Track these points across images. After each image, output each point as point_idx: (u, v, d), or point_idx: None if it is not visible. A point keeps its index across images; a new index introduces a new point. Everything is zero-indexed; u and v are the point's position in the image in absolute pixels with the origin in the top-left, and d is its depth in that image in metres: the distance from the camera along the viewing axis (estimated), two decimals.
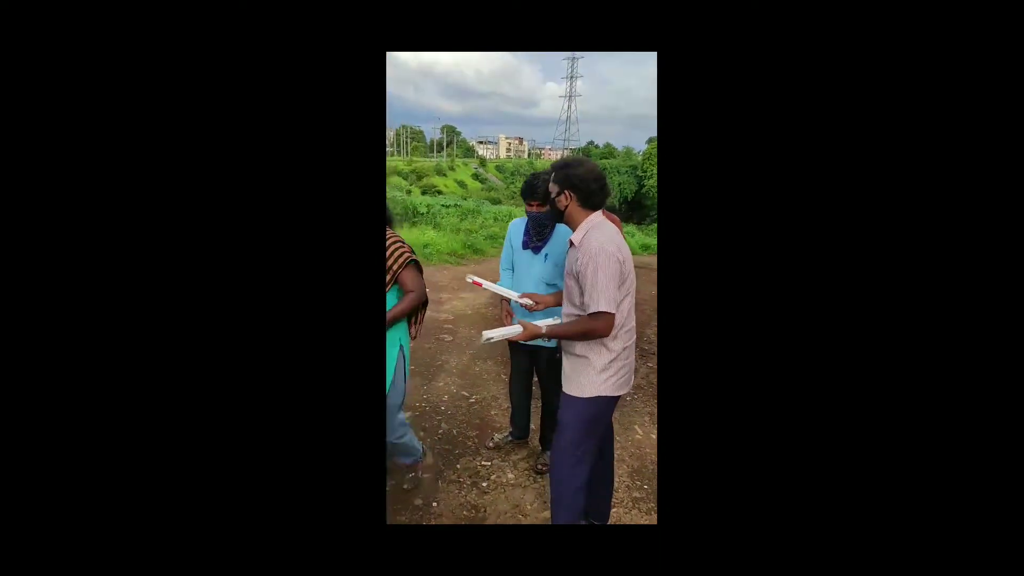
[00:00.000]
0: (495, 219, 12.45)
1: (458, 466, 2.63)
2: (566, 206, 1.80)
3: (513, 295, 2.22)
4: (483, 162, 61.75)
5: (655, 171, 37.52)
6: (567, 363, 1.86)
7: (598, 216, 1.79)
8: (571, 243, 1.80)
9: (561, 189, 1.79)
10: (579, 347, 1.79)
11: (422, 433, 2.93)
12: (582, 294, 1.71)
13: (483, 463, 2.66)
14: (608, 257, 1.64)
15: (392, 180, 20.22)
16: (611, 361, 1.75)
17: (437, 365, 3.95)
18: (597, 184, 1.77)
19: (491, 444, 2.79)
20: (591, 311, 1.67)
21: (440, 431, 2.98)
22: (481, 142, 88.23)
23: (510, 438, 2.81)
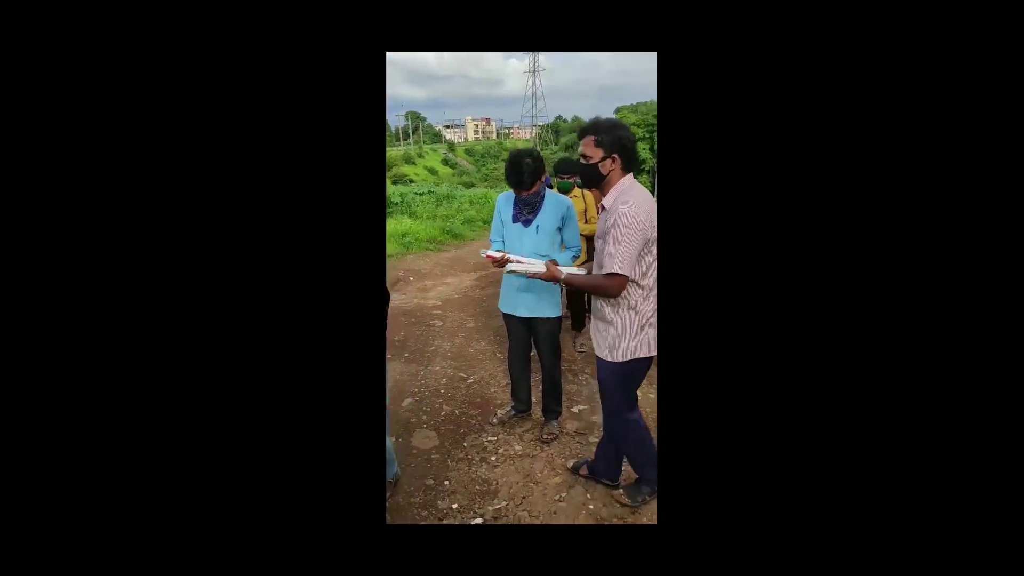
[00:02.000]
0: (471, 203, 12.40)
1: (465, 444, 2.71)
2: (610, 170, 1.78)
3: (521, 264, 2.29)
4: (452, 147, 60.80)
5: None
6: (599, 329, 1.93)
7: (629, 179, 1.80)
8: (602, 207, 1.82)
9: (609, 152, 1.76)
10: (609, 313, 1.85)
11: (424, 416, 3.01)
12: None
13: (489, 439, 2.75)
14: (637, 224, 1.68)
15: None
16: (643, 326, 1.82)
17: (431, 351, 4.01)
18: (635, 146, 1.80)
19: (495, 420, 2.88)
20: (605, 271, 1.73)
21: (442, 413, 3.05)
22: (448, 126, 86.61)
23: (513, 412, 2.90)
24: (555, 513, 2.17)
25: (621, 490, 2.23)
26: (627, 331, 1.83)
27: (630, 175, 1.82)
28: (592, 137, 1.79)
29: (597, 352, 1.95)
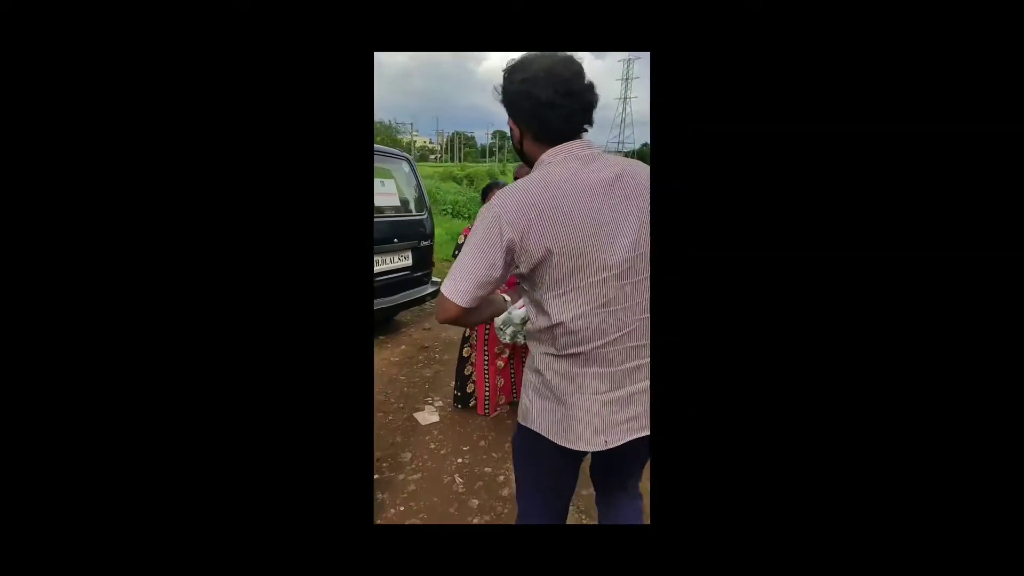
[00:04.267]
0: None
1: None
2: (520, 141, 1.16)
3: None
4: None
5: None
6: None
7: (553, 153, 1.09)
8: None
9: (515, 121, 1.15)
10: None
11: None
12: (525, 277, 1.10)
13: None
14: (488, 222, 1.02)
15: (448, 185, 21.12)
16: (539, 384, 1.17)
17: None
18: (539, 101, 1.05)
19: None
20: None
21: None
22: None
23: None
24: None
25: None
26: (528, 384, 1.22)
27: (560, 147, 1.09)
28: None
29: None
